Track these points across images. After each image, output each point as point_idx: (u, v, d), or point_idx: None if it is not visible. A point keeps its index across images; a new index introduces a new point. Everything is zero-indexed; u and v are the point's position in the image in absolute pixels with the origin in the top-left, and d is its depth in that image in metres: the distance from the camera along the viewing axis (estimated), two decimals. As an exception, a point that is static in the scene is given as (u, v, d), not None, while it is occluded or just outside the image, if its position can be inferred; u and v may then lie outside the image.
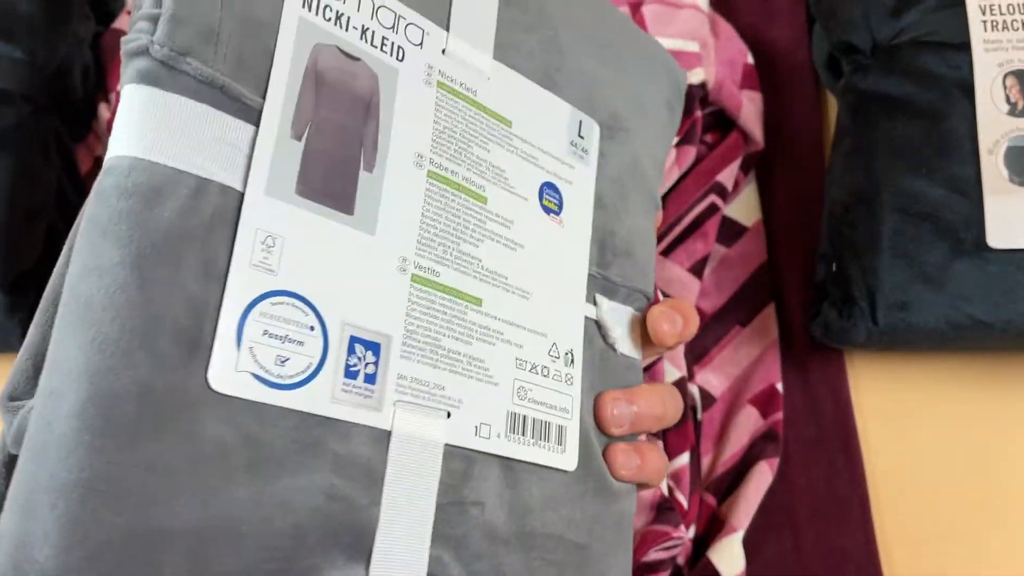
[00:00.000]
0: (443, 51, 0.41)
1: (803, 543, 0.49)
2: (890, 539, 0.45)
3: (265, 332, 0.33)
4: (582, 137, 0.47)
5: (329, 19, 0.37)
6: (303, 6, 0.36)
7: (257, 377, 0.32)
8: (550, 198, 0.44)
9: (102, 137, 0.56)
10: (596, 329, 0.46)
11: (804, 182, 0.53)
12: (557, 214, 0.44)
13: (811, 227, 0.52)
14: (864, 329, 0.45)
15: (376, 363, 0.36)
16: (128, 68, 0.32)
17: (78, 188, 0.52)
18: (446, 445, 0.38)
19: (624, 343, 0.47)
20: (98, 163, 0.55)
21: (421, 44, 0.40)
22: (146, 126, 0.32)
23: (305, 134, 0.35)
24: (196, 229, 0.32)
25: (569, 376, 0.43)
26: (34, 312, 0.37)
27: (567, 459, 0.42)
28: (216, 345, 0.31)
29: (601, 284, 0.46)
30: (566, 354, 0.43)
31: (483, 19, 0.43)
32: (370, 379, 0.35)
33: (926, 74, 0.45)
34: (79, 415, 0.28)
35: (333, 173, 0.36)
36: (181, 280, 0.31)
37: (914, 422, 0.47)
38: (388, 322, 0.36)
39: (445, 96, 0.41)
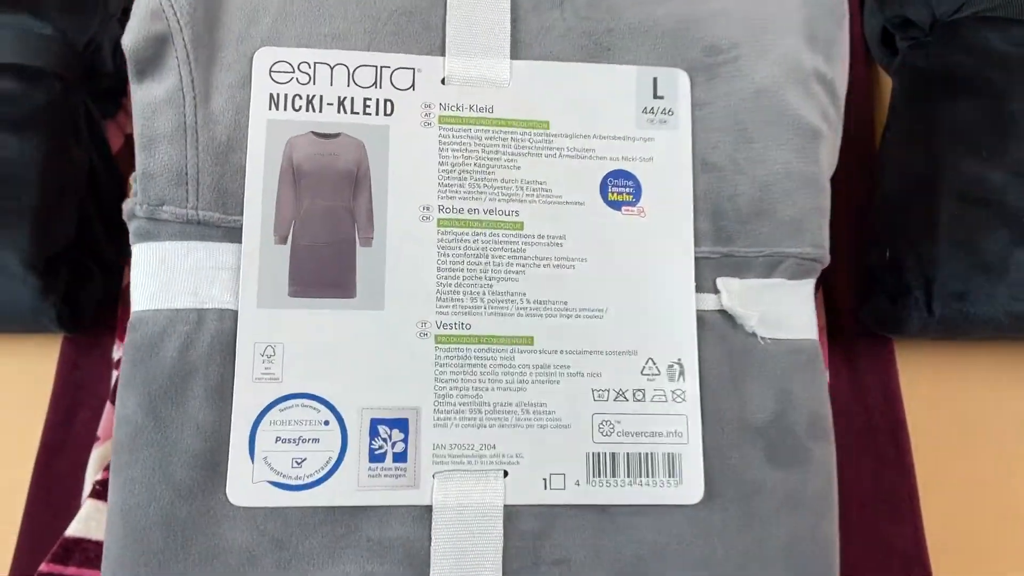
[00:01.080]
0: (442, 80, 0.38)
1: (850, 536, 0.40)
2: (939, 533, 0.41)
3: (277, 439, 0.35)
4: (660, 97, 0.39)
5: (300, 108, 0.37)
6: (270, 108, 0.37)
7: (275, 484, 0.34)
8: (619, 189, 0.38)
9: (132, 115, 0.51)
10: (726, 320, 0.38)
11: (854, 164, 0.42)
12: (633, 204, 0.38)
13: (861, 211, 0.44)
14: (919, 319, 0.40)
15: (405, 439, 0.35)
16: (130, 231, 0.37)
17: (109, 167, 0.48)
18: (508, 506, 0.35)
19: (773, 325, 0.38)
20: (128, 141, 0.51)
21: (413, 86, 0.38)
22: (146, 279, 0.36)
23: (290, 234, 0.36)
24: (197, 360, 0.35)
25: (678, 392, 0.37)
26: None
27: (687, 491, 0.36)
28: (230, 462, 0.34)
29: (722, 263, 0.38)
30: (670, 367, 0.37)
31: (490, 21, 0.39)
32: (400, 457, 0.35)
33: (989, 52, 0.41)
34: (119, 548, 0.34)
35: (326, 263, 0.36)
36: (189, 412, 0.34)
37: (965, 412, 0.43)
38: (413, 394, 0.36)
39: (450, 130, 0.38)
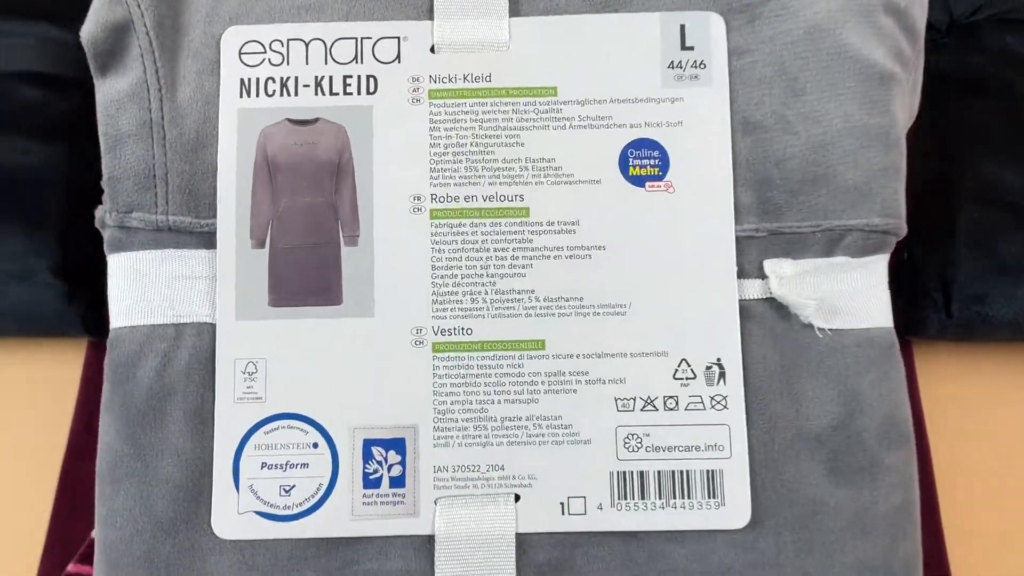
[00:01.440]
0: (432, 48, 0.33)
1: None
2: (958, 535, 0.39)
3: (263, 465, 0.32)
4: (689, 48, 0.33)
5: (273, 92, 0.33)
6: (241, 95, 0.33)
7: (262, 514, 0.31)
8: (643, 162, 0.33)
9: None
10: (776, 310, 0.32)
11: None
12: (659, 178, 0.32)
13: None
14: (937, 321, 0.39)
15: (402, 462, 0.31)
16: (104, 242, 0.34)
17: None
18: (520, 535, 0.31)
19: (834, 314, 0.32)
20: None
21: (398, 57, 0.33)
22: (121, 293, 0.33)
23: (268, 237, 0.32)
24: (175, 381, 0.32)
25: (718, 398, 0.31)
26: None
27: (731, 514, 0.31)
28: (214, 493, 0.31)
29: (770, 243, 0.32)
30: (708, 369, 0.32)
31: (484, -27, 0.33)
32: (397, 482, 0.31)
33: (1007, 54, 0.41)
34: None
35: (308, 267, 0.32)
36: (169, 439, 0.32)
37: (984, 415, 0.41)
38: (410, 411, 0.32)
39: (442, 106, 0.33)
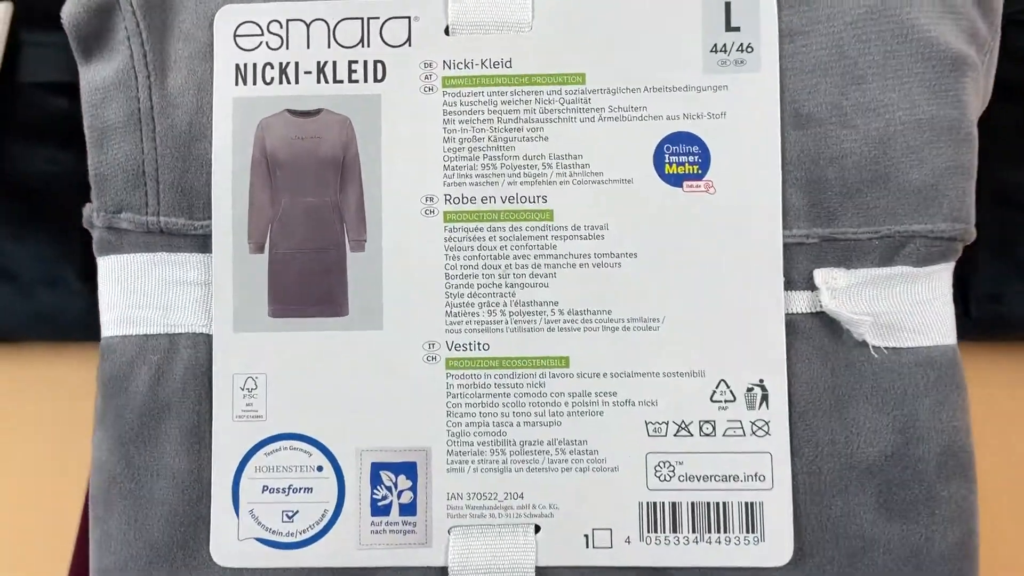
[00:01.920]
0: (446, 30, 0.30)
1: None
2: (981, 537, 0.34)
3: (264, 488, 0.29)
4: (735, 29, 0.29)
5: (271, 80, 0.30)
6: (237, 82, 0.30)
7: (264, 541, 0.29)
8: (681, 158, 0.29)
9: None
10: (826, 326, 0.29)
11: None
12: (699, 177, 0.29)
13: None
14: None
15: (413, 488, 0.29)
16: (93, 243, 0.31)
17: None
18: (541, 569, 0.29)
19: (892, 330, 0.29)
20: None
21: (409, 40, 0.30)
22: (112, 300, 0.31)
23: (267, 240, 0.30)
24: (170, 396, 0.30)
25: (760, 423, 0.29)
26: None
27: (772, 550, 0.28)
28: (213, 518, 0.29)
29: (822, 250, 0.29)
30: (750, 391, 0.29)
31: (505, -56, 0.30)
32: (407, 509, 0.29)
33: (1023, 55, 0.39)
34: None
35: (311, 274, 0.30)
36: (164, 459, 0.29)
37: (1002, 415, 0.40)
38: (422, 432, 0.29)
39: (457, 95, 0.30)
